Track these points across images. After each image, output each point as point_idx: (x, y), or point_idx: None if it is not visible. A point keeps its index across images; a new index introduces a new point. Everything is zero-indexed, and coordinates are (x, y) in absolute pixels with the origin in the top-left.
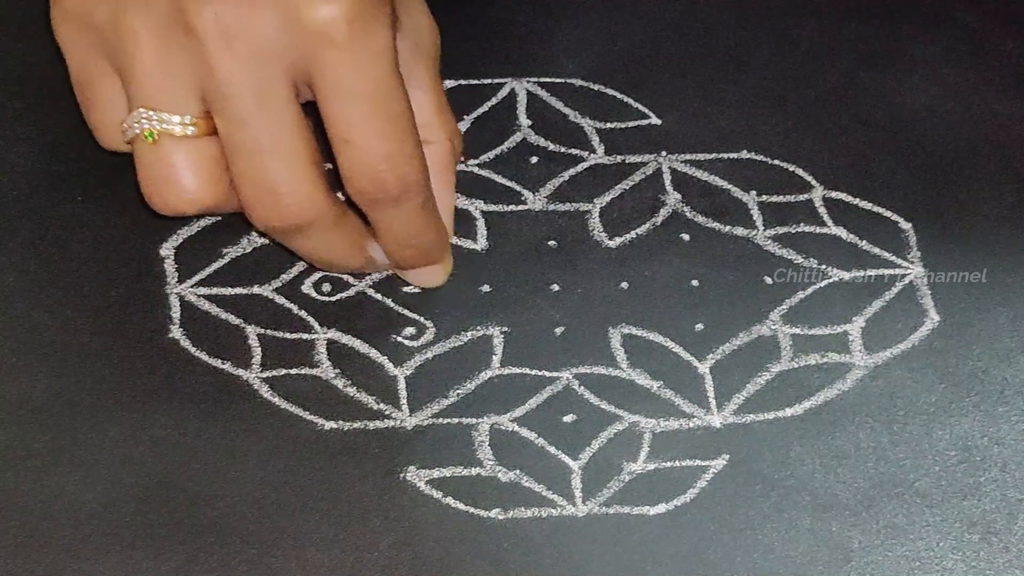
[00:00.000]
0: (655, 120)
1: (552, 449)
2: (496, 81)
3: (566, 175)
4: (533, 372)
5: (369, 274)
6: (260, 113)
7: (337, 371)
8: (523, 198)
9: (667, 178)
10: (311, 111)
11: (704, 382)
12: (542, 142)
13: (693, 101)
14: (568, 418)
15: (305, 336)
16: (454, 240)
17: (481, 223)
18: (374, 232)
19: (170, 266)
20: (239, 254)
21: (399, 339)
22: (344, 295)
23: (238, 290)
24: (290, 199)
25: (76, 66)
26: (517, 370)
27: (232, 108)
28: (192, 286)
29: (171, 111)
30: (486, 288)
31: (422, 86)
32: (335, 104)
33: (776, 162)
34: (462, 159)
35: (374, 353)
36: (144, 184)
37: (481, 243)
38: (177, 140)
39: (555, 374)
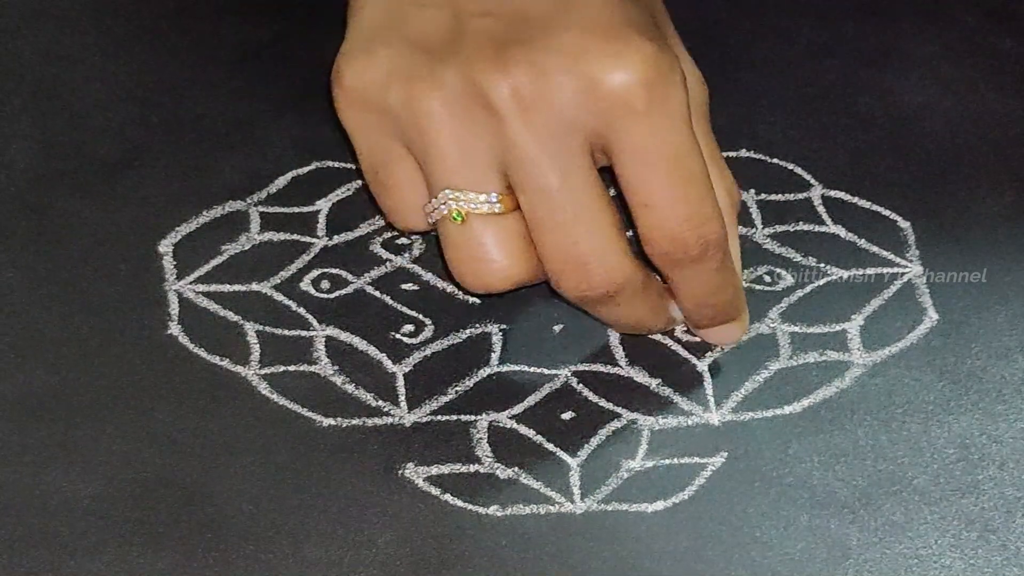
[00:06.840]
0: None
1: (550, 446)
2: None
3: None
4: (532, 369)
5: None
6: (563, 185)
7: (335, 368)
8: None
9: None
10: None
11: (703, 379)
12: None
13: None
14: (567, 415)
15: (303, 333)
16: None
17: None
18: (673, 292)
19: (168, 263)
20: (238, 251)
21: (398, 336)
22: (343, 292)
23: (236, 287)
24: (599, 268)
25: (367, 150)
26: (516, 367)
27: (535, 182)
28: (190, 283)
29: (476, 190)
30: None
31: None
32: (635, 170)
33: (775, 160)
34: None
35: (372, 350)
36: (456, 264)
37: None
38: (485, 218)
39: (554, 371)
